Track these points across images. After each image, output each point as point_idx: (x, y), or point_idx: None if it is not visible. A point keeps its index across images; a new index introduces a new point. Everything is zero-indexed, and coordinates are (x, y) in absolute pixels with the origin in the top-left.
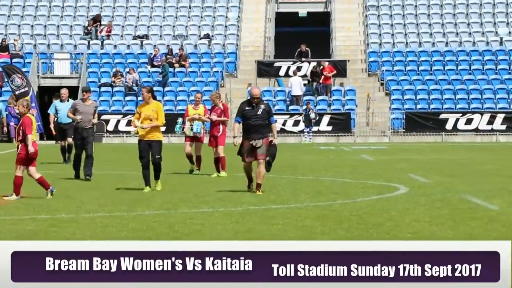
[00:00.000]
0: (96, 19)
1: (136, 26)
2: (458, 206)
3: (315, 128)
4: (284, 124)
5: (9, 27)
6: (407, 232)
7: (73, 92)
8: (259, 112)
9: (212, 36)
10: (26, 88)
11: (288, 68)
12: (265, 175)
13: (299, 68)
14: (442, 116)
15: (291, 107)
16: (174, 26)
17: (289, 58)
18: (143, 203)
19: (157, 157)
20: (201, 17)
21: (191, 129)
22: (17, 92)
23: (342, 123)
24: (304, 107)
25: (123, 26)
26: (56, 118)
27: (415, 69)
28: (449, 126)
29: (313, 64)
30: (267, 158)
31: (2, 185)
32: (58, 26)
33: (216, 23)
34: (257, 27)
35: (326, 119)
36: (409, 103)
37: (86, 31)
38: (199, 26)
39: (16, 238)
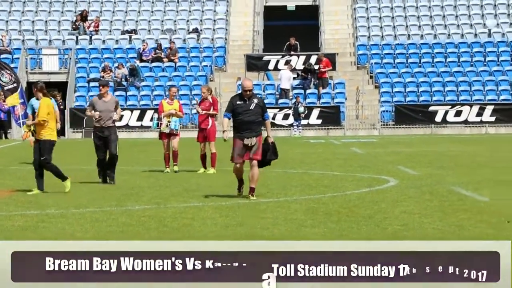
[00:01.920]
0: (83, 14)
1: (124, 21)
2: (448, 198)
3: (304, 122)
4: (273, 118)
5: None
6: (396, 224)
7: (62, 87)
8: (252, 107)
9: (201, 30)
10: (15, 84)
11: (277, 61)
12: (258, 179)
13: (288, 62)
14: (432, 108)
15: (280, 101)
16: (162, 21)
17: (278, 52)
18: (133, 198)
19: (41, 158)
20: (190, 11)
21: (167, 125)
22: (5, 88)
23: (331, 116)
24: (294, 100)
25: (111, 21)
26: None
27: (404, 62)
28: (438, 118)
29: (302, 58)
30: (273, 157)
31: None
32: (46, 21)
33: (205, 17)
34: (246, 21)
35: (315, 112)
36: (398, 96)
37: (74, 26)
38: (188, 21)
39: (5, 234)
